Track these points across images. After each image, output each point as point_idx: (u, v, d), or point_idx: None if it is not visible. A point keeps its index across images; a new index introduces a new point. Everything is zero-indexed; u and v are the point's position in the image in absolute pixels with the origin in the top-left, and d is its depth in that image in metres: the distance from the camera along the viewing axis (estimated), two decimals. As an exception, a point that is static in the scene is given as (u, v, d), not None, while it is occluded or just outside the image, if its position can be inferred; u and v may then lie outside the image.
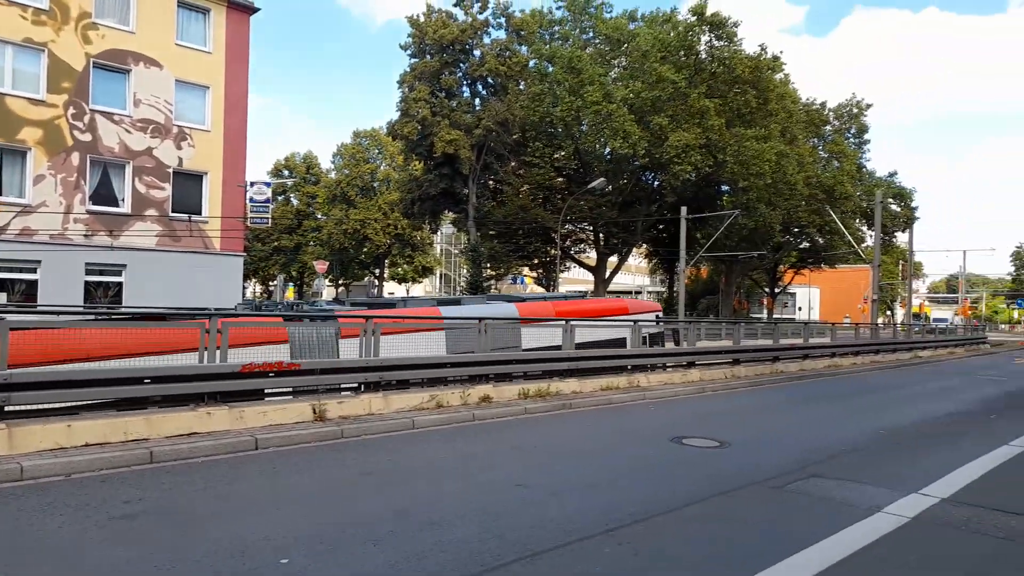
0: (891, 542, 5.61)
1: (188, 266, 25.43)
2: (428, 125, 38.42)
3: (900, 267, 65.61)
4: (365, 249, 62.06)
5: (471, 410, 11.10)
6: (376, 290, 67.27)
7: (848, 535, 5.67)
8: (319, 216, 67.00)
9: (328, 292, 70.34)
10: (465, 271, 52.93)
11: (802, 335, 25.09)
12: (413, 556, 4.98)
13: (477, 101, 41.55)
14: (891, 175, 56.06)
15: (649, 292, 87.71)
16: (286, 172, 67.39)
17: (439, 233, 73.61)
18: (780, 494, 7.02)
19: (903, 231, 55.13)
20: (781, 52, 45.18)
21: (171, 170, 25.69)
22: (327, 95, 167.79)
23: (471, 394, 11.67)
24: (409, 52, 40.98)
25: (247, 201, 27.63)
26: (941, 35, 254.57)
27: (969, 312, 70.57)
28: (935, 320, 60.92)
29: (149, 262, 24.55)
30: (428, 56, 39.95)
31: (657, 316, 22.55)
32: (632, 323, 17.57)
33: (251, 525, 5.62)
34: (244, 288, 46.37)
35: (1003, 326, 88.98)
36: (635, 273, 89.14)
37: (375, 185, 64.20)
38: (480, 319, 12.62)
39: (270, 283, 70.80)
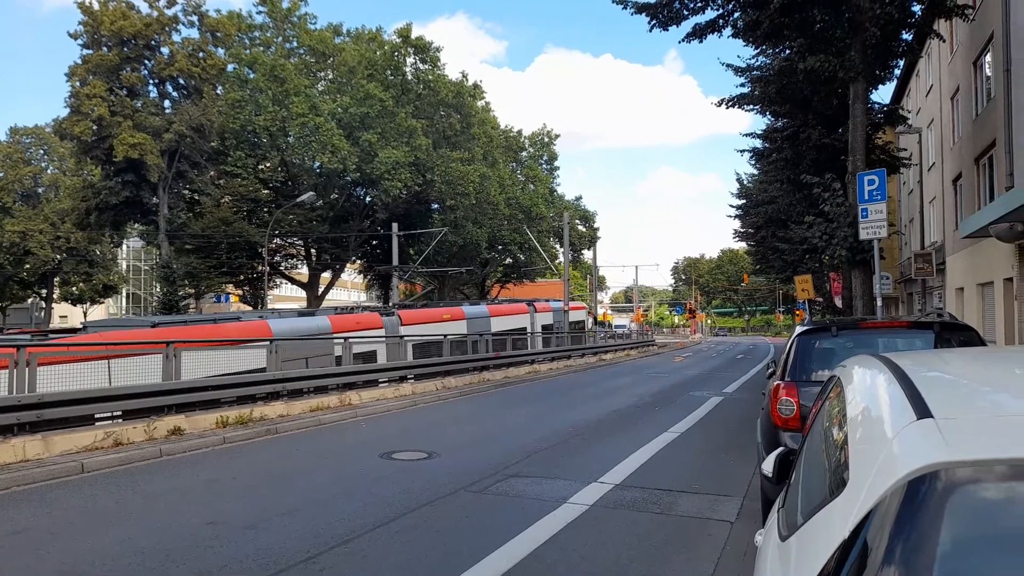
0: (573, 529, 6.16)
1: None
2: (107, 125, 34.03)
3: (587, 280, 74.03)
4: (27, 266, 52.66)
5: (158, 445, 9.92)
6: (43, 313, 57.42)
7: (538, 528, 6.10)
8: (-38, 227, 55.37)
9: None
10: (158, 289, 47.64)
11: (505, 346, 26.88)
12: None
13: (167, 103, 37.92)
14: (578, 199, 63.07)
15: (365, 307, 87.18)
16: (-88, 172, 54.57)
17: (124, 247, 65.44)
18: (481, 497, 7.33)
19: (588, 249, 62.26)
20: (481, 81, 48.71)
21: None
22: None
23: (158, 427, 10.43)
24: (81, 42, 35.98)
25: None
26: (615, 78, 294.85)
27: (642, 319, 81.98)
28: (616, 326, 69.59)
29: None
30: (105, 48, 35.41)
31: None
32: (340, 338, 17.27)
33: None
34: None
35: (666, 330, 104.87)
36: (351, 288, 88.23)
37: (39, 191, 54.99)
38: (168, 343, 11.34)
39: None
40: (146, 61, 37.39)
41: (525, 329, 33.44)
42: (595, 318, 52.50)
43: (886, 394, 1.87)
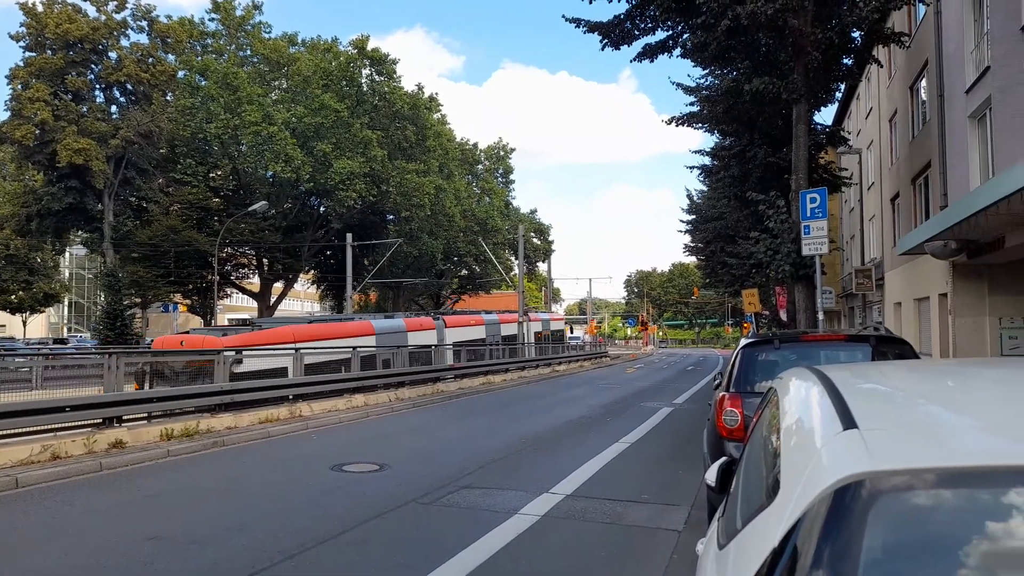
0: (524, 540, 6.19)
1: None
2: (50, 130, 33.01)
3: (542, 292, 74.30)
4: (-39, 274, 50.46)
5: (99, 459, 9.61)
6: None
7: (489, 540, 6.11)
8: None
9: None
10: (102, 298, 46.16)
11: (460, 358, 26.84)
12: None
13: (114, 108, 37.00)
14: (533, 212, 63.44)
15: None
16: None
17: (67, 255, 63.32)
18: (432, 509, 7.31)
19: (543, 261, 62.59)
20: (437, 93, 48.47)
21: None
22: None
23: (98, 440, 10.11)
24: (23, 44, 34.87)
25: None
26: (571, 95, 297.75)
27: (595, 330, 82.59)
28: (570, 338, 69.90)
29: None
30: (49, 51, 34.39)
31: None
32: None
33: None
34: None
35: (619, 341, 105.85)
36: (304, 299, 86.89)
37: (-24, 196, 52.87)
38: (111, 353, 11.02)
39: None
40: (93, 65, 36.42)
41: (517, 336, 41.63)
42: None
43: (817, 406, 1.93)
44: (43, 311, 61.78)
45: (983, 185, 10.97)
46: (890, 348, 6.26)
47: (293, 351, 16.79)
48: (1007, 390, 2.11)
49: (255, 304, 47.17)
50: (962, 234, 12.19)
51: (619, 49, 16.49)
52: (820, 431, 1.74)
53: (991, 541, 1.27)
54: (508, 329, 39.54)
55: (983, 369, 2.68)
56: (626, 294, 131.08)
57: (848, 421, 1.63)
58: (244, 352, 16.15)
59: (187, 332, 21.76)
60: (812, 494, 1.45)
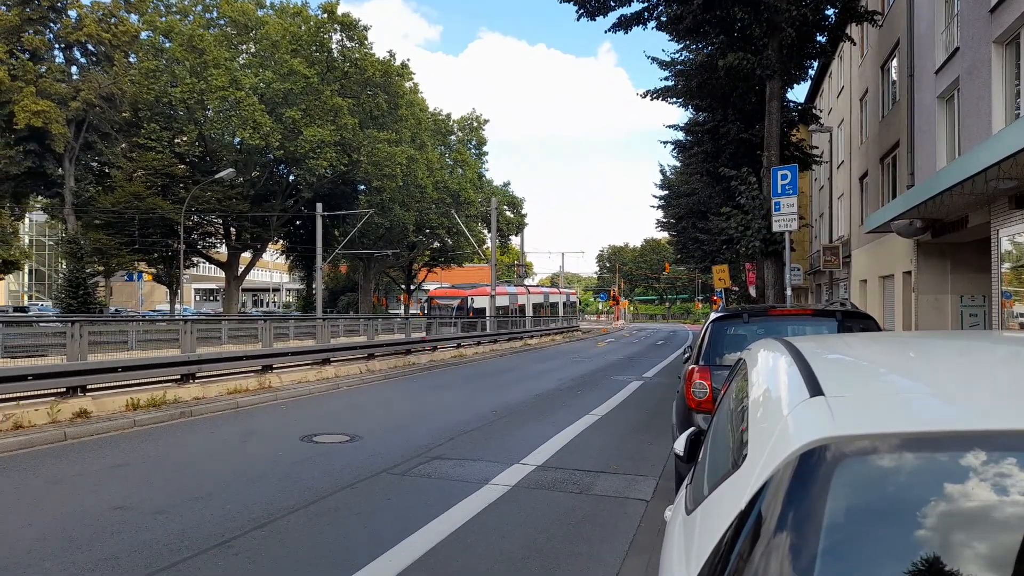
0: (494, 510, 6.26)
1: None
2: (6, 91, 31.89)
3: (515, 266, 74.28)
4: (-85, 239, 48.86)
5: (63, 428, 9.47)
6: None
7: (459, 510, 6.16)
8: None
9: None
10: (64, 266, 45.07)
11: (434, 330, 26.84)
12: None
13: (75, 69, 35.83)
14: (506, 185, 63.11)
15: (288, 289, 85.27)
16: None
17: (27, 220, 61.60)
18: (404, 479, 7.34)
19: (516, 235, 62.46)
20: (408, 60, 47.58)
21: None
22: None
23: (62, 409, 9.94)
24: (-24, -1, 33.51)
25: None
26: (549, 68, 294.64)
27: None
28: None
29: None
30: (3, 8, 33.10)
31: None
32: None
33: None
34: None
35: (591, 316, 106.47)
36: (273, 270, 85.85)
37: (-71, 159, 51.00)
38: (73, 321, 10.78)
39: None
40: (51, 24, 35.15)
41: (558, 304, 56.23)
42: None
43: (785, 375, 1.97)
44: (2, 278, 60.24)
45: (949, 165, 11.16)
46: (855, 323, 6.37)
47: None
48: (965, 360, 2.17)
49: (222, 274, 46.49)
50: (928, 213, 12.42)
51: (595, 20, 16.35)
52: (787, 399, 1.77)
53: (947, 503, 1.31)
54: (553, 299, 52.28)
55: (943, 340, 2.74)
56: (598, 269, 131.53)
57: (815, 388, 1.66)
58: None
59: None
60: (778, 459, 1.48)
